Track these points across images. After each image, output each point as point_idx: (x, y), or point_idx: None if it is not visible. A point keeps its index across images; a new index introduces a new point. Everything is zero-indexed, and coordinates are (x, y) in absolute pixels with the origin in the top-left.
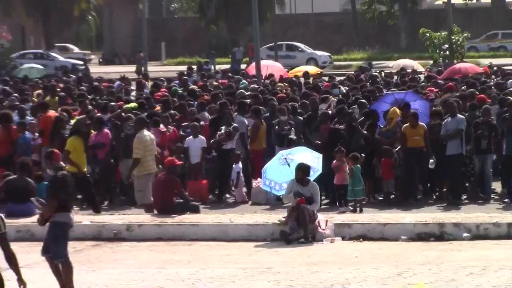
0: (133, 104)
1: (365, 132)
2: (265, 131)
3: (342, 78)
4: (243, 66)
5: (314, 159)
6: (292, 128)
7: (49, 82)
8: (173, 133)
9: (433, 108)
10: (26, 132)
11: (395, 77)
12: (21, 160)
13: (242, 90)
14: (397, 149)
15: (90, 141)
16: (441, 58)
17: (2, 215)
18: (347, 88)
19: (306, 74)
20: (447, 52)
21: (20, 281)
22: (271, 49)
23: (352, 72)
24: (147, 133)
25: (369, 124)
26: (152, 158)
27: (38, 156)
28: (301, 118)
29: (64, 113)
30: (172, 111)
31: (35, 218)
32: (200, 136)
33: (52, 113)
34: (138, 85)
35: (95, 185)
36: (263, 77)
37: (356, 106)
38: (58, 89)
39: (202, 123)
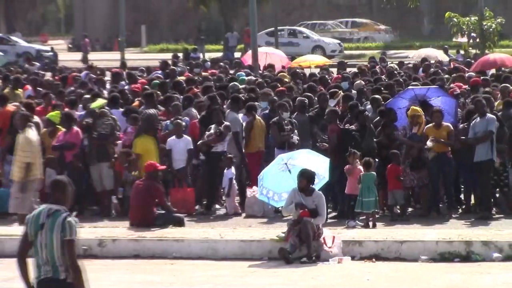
0: (100, 102)
1: (378, 132)
2: (262, 130)
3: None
4: (237, 55)
5: (319, 165)
6: (295, 130)
7: (10, 71)
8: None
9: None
10: None
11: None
12: None
13: (236, 83)
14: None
15: (57, 141)
16: (470, 47)
17: (75, 219)
18: (362, 82)
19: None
20: (478, 40)
21: None
22: (271, 35)
23: (365, 63)
24: (34, 132)
25: (384, 124)
26: (40, 161)
27: (2, 157)
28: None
29: (23, 108)
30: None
31: None
32: (185, 136)
33: (11, 107)
34: (113, 76)
35: None
36: (262, 67)
37: (368, 102)
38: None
39: (187, 120)
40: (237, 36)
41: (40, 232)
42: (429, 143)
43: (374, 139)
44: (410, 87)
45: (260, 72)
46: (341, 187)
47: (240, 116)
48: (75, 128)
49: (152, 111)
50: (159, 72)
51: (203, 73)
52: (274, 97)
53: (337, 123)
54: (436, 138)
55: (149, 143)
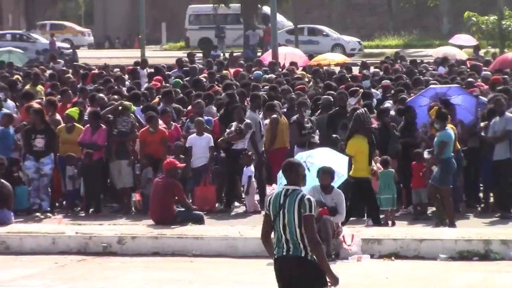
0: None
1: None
2: (286, 127)
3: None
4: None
5: (338, 163)
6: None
7: (31, 68)
8: (175, 130)
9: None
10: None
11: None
12: None
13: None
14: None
15: (82, 138)
16: (489, 46)
17: (312, 198)
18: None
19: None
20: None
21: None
22: (291, 33)
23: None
24: None
25: (406, 124)
26: None
27: (19, 154)
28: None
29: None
30: (175, 105)
31: (10, 227)
32: (206, 134)
33: (36, 104)
34: (132, 73)
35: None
36: (281, 67)
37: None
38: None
39: (210, 119)
40: (258, 34)
41: (280, 212)
42: (426, 155)
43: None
44: (431, 85)
45: (280, 70)
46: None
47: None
48: (103, 126)
49: (361, 110)
50: (175, 70)
51: (223, 71)
52: (293, 96)
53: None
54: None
55: (362, 144)
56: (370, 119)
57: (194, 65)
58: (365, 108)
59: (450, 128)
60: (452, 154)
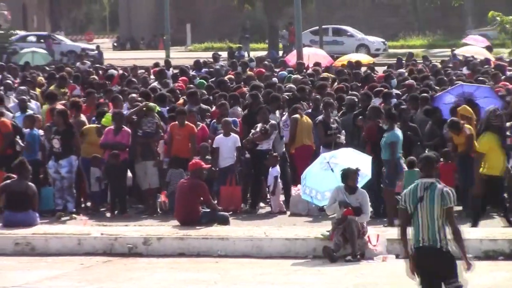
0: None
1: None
2: (308, 126)
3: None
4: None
5: (362, 163)
6: (343, 130)
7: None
8: (201, 131)
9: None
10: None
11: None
12: (18, 160)
13: (292, 85)
14: None
15: (105, 139)
16: None
17: (453, 190)
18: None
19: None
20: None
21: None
22: (315, 34)
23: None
24: None
25: (433, 124)
26: None
27: (42, 155)
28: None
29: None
30: (204, 106)
31: (36, 228)
32: (233, 134)
33: (59, 105)
34: (159, 74)
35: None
36: (305, 67)
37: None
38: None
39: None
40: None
41: (420, 205)
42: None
43: (428, 141)
44: (460, 83)
45: (304, 71)
46: (378, 185)
47: (284, 117)
48: (126, 128)
49: (492, 108)
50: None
51: (248, 72)
52: (318, 96)
53: (378, 121)
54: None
55: (494, 141)
56: (502, 117)
57: (218, 66)
58: (496, 107)
59: (398, 129)
60: (400, 155)
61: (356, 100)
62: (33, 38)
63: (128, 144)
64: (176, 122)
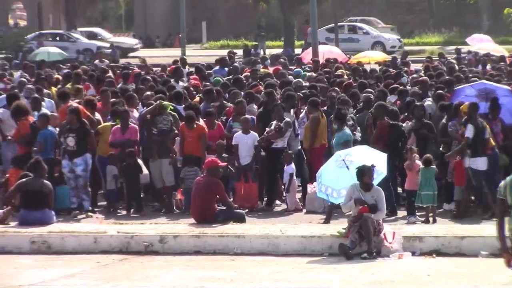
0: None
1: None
2: (325, 125)
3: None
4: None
5: (377, 160)
6: (358, 127)
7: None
8: (217, 129)
9: None
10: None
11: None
12: (34, 159)
13: (300, 80)
14: None
15: (113, 137)
16: None
17: None
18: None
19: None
20: None
21: None
22: (331, 31)
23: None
24: None
25: (447, 120)
26: None
27: (58, 153)
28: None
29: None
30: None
31: (52, 227)
32: (252, 132)
33: (73, 104)
34: (175, 72)
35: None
36: (320, 65)
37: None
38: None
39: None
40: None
41: None
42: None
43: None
44: (483, 81)
45: (319, 69)
46: (392, 182)
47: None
48: (133, 125)
49: None
50: (217, 68)
51: (264, 70)
52: (333, 93)
53: (386, 118)
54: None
55: None
56: None
57: (235, 63)
58: None
59: (347, 128)
60: None
61: (372, 97)
62: (49, 36)
63: (137, 140)
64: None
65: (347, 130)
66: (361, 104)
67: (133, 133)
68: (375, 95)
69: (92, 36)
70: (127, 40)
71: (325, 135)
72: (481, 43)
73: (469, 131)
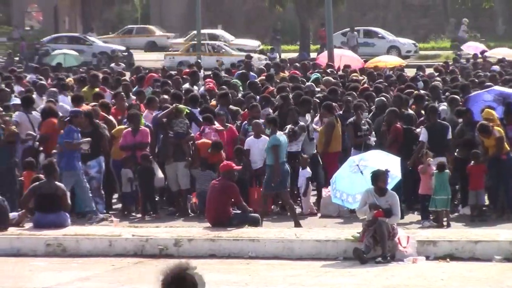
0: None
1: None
2: (339, 130)
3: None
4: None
5: (391, 164)
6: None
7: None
8: (230, 132)
9: None
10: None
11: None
12: (47, 161)
13: (312, 84)
14: None
15: (124, 141)
16: None
17: None
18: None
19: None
20: None
21: None
22: (346, 35)
23: (441, 63)
24: None
25: (464, 125)
26: None
27: None
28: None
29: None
30: (234, 107)
31: (67, 230)
32: (264, 136)
33: (86, 107)
34: (192, 76)
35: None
36: (336, 69)
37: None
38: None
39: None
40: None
41: None
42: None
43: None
44: (497, 87)
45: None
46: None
47: (316, 119)
48: (144, 128)
49: None
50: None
51: (282, 74)
52: (349, 98)
53: (398, 123)
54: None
55: None
56: None
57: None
58: None
59: (281, 134)
60: (285, 159)
61: (386, 101)
62: (65, 39)
63: (148, 143)
64: (207, 142)
65: (279, 136)
66: (376, 108)
67: (144, 136)
68: (392, 100)
69: (214, 37)
70: (249, 42)
71: (339, 140)
72: (497, 49)
73: (423, 135)
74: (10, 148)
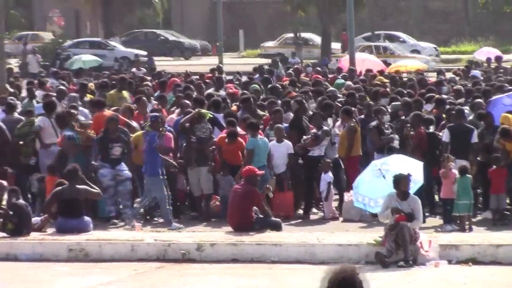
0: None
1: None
2: (359, 134)
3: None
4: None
5: (413, 168)
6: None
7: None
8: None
9: None
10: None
11: None
12: (70, 166)
13: (335, 89)
14: None
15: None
16: None
17: None
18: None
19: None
20: None
21: None
22: (368, 40)
23: (462, 67)
24: None
25: (485, 129)
26: None
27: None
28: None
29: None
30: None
31: (89, 235)
32: (286, 140)
33: (108, 112)
34: (216, 81)
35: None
36: (358, 73)
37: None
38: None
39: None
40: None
41: None
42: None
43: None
44: None
45: (357, 77)
46: (428, 191)
47: (337, 123)
48: (168, 133)
49: None
50: (257, 76)
51: (304, 78)
52: (370, 102)
53: (422, 127)
54: None
55: None
56: None
57: (269, 73)
58: None
59: (262, 137)
60: (265, 163)
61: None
62: (86, 44)
63: (172, 148)
64: (225, 135)
65: (259, 140)
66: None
67: (168, 141)
68: (412, 105)
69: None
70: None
71: (360, 144)
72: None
73: (445, 136)
74: (87, 152)
